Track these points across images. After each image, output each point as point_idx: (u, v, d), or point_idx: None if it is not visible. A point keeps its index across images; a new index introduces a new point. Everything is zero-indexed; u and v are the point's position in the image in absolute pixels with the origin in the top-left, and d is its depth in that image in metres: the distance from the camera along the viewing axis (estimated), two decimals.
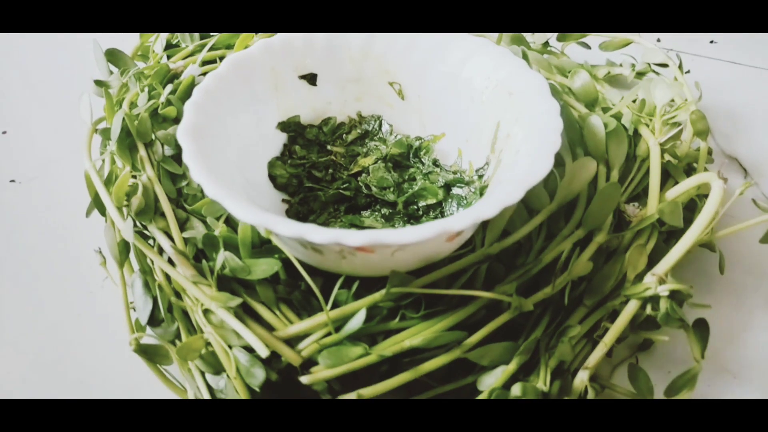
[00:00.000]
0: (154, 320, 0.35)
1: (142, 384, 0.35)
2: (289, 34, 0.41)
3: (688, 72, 0.54)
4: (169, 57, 0.46)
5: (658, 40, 0.57)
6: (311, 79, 0.42)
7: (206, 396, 0.33)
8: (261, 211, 0.30)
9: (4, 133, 0.48)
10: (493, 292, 0.32)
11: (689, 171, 0.41)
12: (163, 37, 0.47)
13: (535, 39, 0.50)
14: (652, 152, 0.37)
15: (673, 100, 0.44)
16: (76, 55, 0.56)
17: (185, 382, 0.34)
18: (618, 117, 0.41)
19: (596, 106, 0.43)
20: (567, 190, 0.36)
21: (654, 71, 0.48)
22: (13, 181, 0.45)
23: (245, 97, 0.39)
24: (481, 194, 0.36)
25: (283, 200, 0.40)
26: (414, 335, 0.32)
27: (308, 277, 0.32)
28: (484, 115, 0.39)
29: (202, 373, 0.34)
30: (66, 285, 0.39)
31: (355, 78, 0.43)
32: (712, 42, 0.56)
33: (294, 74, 0.41)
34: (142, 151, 0.37)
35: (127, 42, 0.47)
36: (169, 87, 0.40)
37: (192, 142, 0.33)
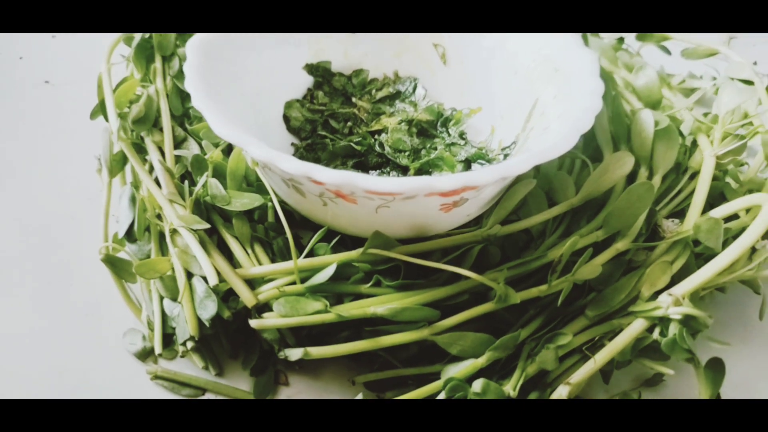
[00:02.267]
0: (131, 236, 0.34)
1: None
2: None
3: None
4: None
5: (755, 63, 0.50)
6: None
7: (158, 320, 0.31)
8: (236, 127, 0.27)
9: (54, 37, 0.48)
10: (479, 276, 0.29)
11: None
12: None
13: (609, 35, 0.45)
14: (705, 163, 0.32)
15: (747, 114, 0.39)
16: None
17: (143, 302, 0.33)
18: (677, 123, 0.36)
19: (658, 108, 0.38)
20: (595, 184, 0.31)
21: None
22: (47, 82, 0.45)
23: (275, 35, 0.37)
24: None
25: (293, 144, 0.38)
26: (382, 304, 0.29)
27: (283, 217, 0.30)
28: (525, 91, 0.35)
29: (161, 298, 0.32)
30: (64, 189, 0.39)
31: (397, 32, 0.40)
32: None
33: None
34: (157, 63, 0.36)
35: None
36: None
37: (201, 56, 0.31)
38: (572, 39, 0.34)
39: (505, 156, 0.35)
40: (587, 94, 0.30)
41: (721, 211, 0.31)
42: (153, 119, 0.34)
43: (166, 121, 0.34)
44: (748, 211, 0.31)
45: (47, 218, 0.38)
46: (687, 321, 0.26)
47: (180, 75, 0.36)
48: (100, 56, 0.36)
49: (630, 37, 0.46)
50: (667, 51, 0.46)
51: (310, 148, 0.37)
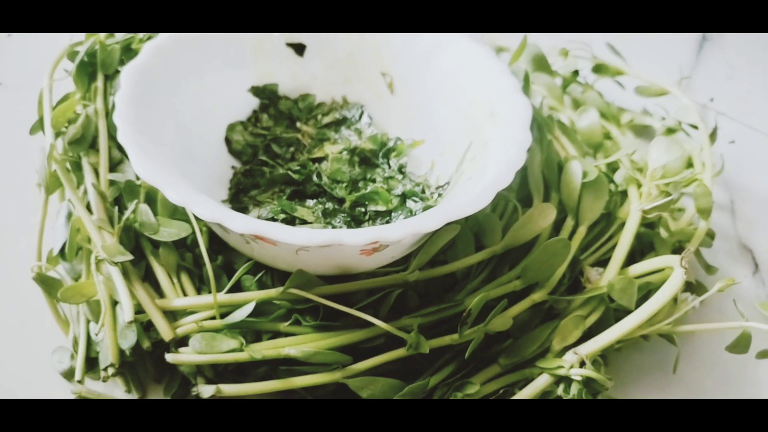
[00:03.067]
0: (64, 254, 0.34)
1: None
2: None
3: (732, 142, 0.48)
4: None
5: (712, 100, 0.51)
6: (299, 49, 0.39)
7: (82, 344, 0.32)
8: (163, 169, 0.28)
9: (9, 36, 0.48)
10: (392, 324, 0.29)
11: (679, 251, 0.36)
12: None
13: (565, 65, 0.45)
14: (630, 217, 0.33)
15: (691, 164, 0.39)
16: None
17: (71, 322, 0.33)
18: (615, 168, 0.37)
19: (599, 152, 0.39)
20: (517, 233, 0.32)
21: (684, 131, 0.43)
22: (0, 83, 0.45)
23: (220, 53, 0.37)
24: (425, 209, 0.33)
25: (233, 167, 0.38)
26: (297, 344, 0.29)
27: (205, 252, 0.30)
28: (463, 130, 0.36)
29: (87, 321, 0.32)
30: (5, 198, 0.39)
31: (347, 58, 0.40)
32: None
33: (281, 39, 0.39)
34: (99, 82, 0.36)
35: None
36: None
37: (133, 85, 0.31)
38: (512, 84, 0.34)
39: (439, 195, 0.35)
40: (514, 146, 0.30)
41: (638, 269, 0.31)
42: (90, 140, 0.34)
43: (103, 142, 0.34)
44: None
45: None
46: (588, 382, 0.27)
47: None
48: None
49: (586, 69, 0.46)
50: (621, 86, 0.46)
51: (249, 174, 0.37)
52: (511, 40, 0.47)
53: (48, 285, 0.33)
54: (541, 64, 0.43)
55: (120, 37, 0.38)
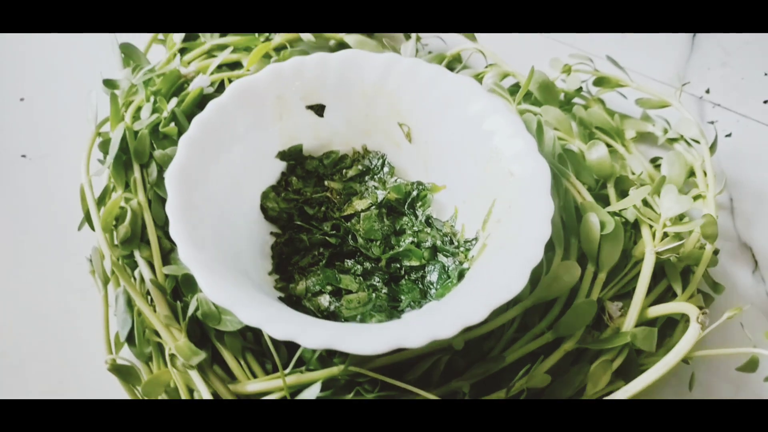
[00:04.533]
0: (132, 338, 0.37)
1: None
2: (300, 60, 0.39)
3: (728, 135, 0.50)
4: (183, 51, 0.45)
5: (708, 91, 0.53)
6: (319, 110, 0.41)
7: None
8: (228, 287, 0.30)
9: (22, 100, 0.48)
10: (444, 387, 0.33)
11: (687, 272, 0.39)
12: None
13: (567, 82, 0.47)
14: (646, 260, 0.36)
15: (693, 174, 0.42)
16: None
17: None
18: (623, 189, 0.40)
19: (610, 181, 0.41)
20: (547, 290, 0.35)
21: (686, 141, 0.45)
22: (24, 156, 0.46)
23: (245, 125, 0.38)
24: (460, 277, 0.36)
25: (272, 233, 0.40)
26: None
27: (270, 342, 0.33)
28: (484, 185, 0.38)
29: None
30: (58, 277, 0.41)
31: (364, 113, 0.41)
32: (766, 102, 0.52)
33: (302, 103, 0.40)
34: (136, 173, 0.38)
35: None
36: (174, 100, 0.40)
37: (179, 192, 0.33)
38: (528, 144, 0.36)
39: (467, 251, 0.38)
40: (540, 219, 0.33)
41: (657, 310, 0.35)
42: (140, 236, 0.37)
43: (152, 236, 0.37)
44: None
45: (41, 310, 0.40)
46: None
47: (160, 182, 0.38)
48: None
49: (590, 82, 0.48)
50: (624, 96, 0.48)
51: (289, 242, 0.39)
52: (510, 46, 0.48)
53: (123, 374, 0.36)
54: (548, 91, 0.44)
55: (145, 117, 0.40)
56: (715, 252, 0.41)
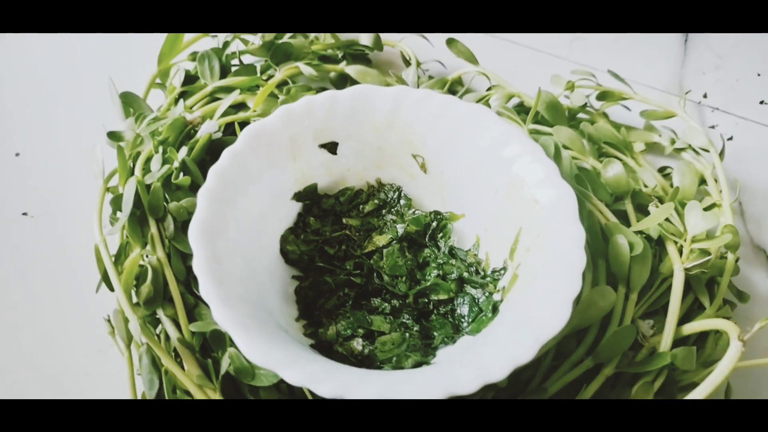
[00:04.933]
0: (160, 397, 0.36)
1: None
2: (310, 99, 0.39)
3: (730, 139, 0.51)
4: (184, 95, 0.44)
5: (705, 96, 0.53)
6: (332, 147, 0.40)
7: None
8: (266, 347, 0.29)
9: (17, 155, 0.47)
10: None
11: (711, 284, 0.39)
12: (182, 69, 0.45)
13: (572, 99, 0.47)
14: (675, 278, 0.36)
15: (704, 181, 0.43)
16: (97, 75, 0.54)
17: None
18: (642, 204, 0.40)
19: (627, 197, 0.41)
20: (582, 317, 0.35)
21: (694, 150, 0.46)
22: (25, 214, 0.44)
23: (261, 169, 0.38)
24: (494, 310, 0.36)
25: (293, 276, 0.39)
26: None
27: (309, 395, 0.33)
28: (506, 213, 0.38)
29: None
30: (73, 340, 0.40)
31: (377, 147, 0.41)
32: (762, 103, 0.53)
33: (314, 143, 0.40)
34: (153, 228, 0.36)
35: (148, 58, 0.45)
36: (184, 149, 0.39)
37: (204, 247, 0.32)
38: (549, 169, 0.36)
39: (495, 281, 0.37)
40: (573, 247, 0.33)
41: (691, 327, 0.35)
42: (162, 294, 0.35)
43: (175, 293, 0.35)
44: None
45: (57, 373, 0.39)
46: None
47: (177, 236, 0.37)
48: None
49: (592, 96, 0.48)
50: (628, 109, 0.48)
51: (313, 286, 0.39)
52: (508, 63, 0.48)
53: None
54: (556, 111, 0.44)
55: (155, 169, 0.38)
56: (736, 260, 0.41)
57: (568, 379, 0.34)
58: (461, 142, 0.39)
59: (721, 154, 0.44)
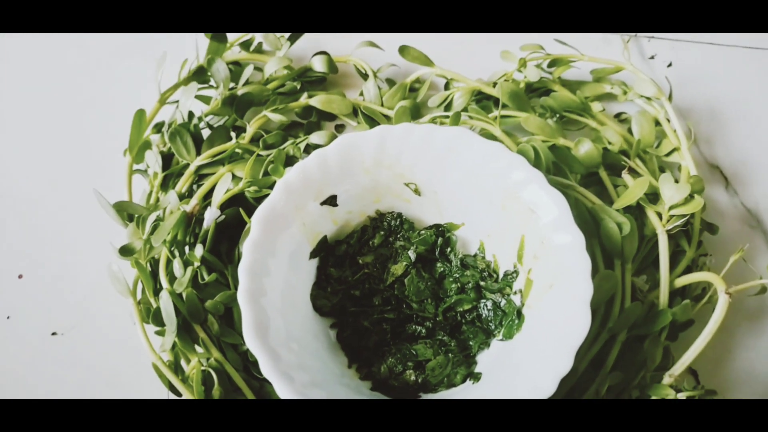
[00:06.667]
0: None
1: None
2: (302, 165, 0.40)
3: (669, 66, 0.55)
4: (166, 179, 0.45)
5: (652, 57, 0.56)
6: (332, 200, 0.42)
7: None
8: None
9: (20, 277, 0.47)
10: None
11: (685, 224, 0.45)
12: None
13: (525, 73, 0.49)
14: (660, 241, 0.41)
15: (659, 123, 0.47)
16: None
17: None
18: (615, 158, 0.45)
19: (599, 168, 0.46)
20: (593, 302, 0.40)
21: (646, 98, 0.49)
22: (54, 333, 0.46)
23: (279, 244, 0.40)
24: (519, 315, 0.40)
25: (331, 327, 0.43)
26: None
27: None
28: (506, 221, 0.41)
29: None
30: None
31: (371, 186, 0.43)
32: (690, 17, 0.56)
33: (315, 203, 0.42)
34: (201, 334, 0.39)
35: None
36: (200, 248, 0.41)
37: (263, 347, 0.35)
38: (535, 177, 0.39)
39: (509, 284, 0.42)
40: (576, 253, 0.37)
41: (683, 280, 0.41)
42: (229, 388, 0.39)
43: (242, 384, 0.39)
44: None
45: None
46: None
47: (224, 331, 0.40)
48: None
49: (544, 65, 0.51)
50: (578, 68, 0.51)
51: (354, 331, 0.43)
52: (454, 50, 0.50)
53: None
54: (519, 99, 0.47)
55: (178, 274, 0.40)
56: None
57: (591, 355, 0.40)
58: (448, 165, 0.41)
59: (670, 97, 0.48)
